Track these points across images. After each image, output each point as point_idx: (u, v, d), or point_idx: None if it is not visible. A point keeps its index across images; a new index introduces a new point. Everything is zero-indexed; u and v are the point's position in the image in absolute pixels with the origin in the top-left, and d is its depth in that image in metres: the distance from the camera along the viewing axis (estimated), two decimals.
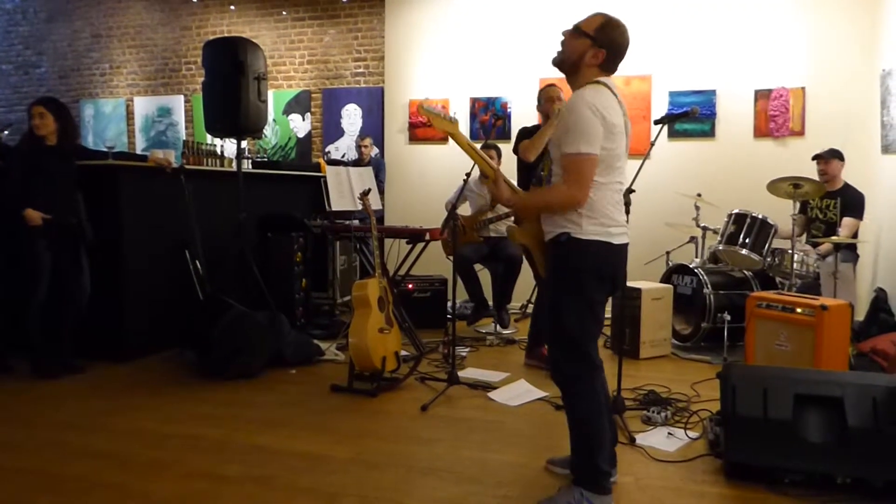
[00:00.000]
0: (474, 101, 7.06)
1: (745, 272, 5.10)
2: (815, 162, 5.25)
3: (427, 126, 7.18)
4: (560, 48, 2.56)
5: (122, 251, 4.65)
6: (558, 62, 2.57)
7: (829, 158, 5.16)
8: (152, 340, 4.83)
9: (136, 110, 8.87)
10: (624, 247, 2.53)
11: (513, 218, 5.49)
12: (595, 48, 2.47)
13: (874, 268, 5.66)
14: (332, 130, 7.95)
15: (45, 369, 4.30)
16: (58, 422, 3.55)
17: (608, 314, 4.72)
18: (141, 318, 4.76)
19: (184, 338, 4.69)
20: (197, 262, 4.86)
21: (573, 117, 2.37)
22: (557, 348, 2.55)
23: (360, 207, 4.68)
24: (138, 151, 8.53)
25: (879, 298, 5.11)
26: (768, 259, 4.87)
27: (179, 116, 8.67)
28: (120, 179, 4.62)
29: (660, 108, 6.44)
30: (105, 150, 4.67)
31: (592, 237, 2.43)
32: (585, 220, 2.42)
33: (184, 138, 8.37)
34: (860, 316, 5.14)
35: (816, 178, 5.04)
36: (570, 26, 2.55)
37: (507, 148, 6.20)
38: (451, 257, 4.70)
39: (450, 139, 2.71)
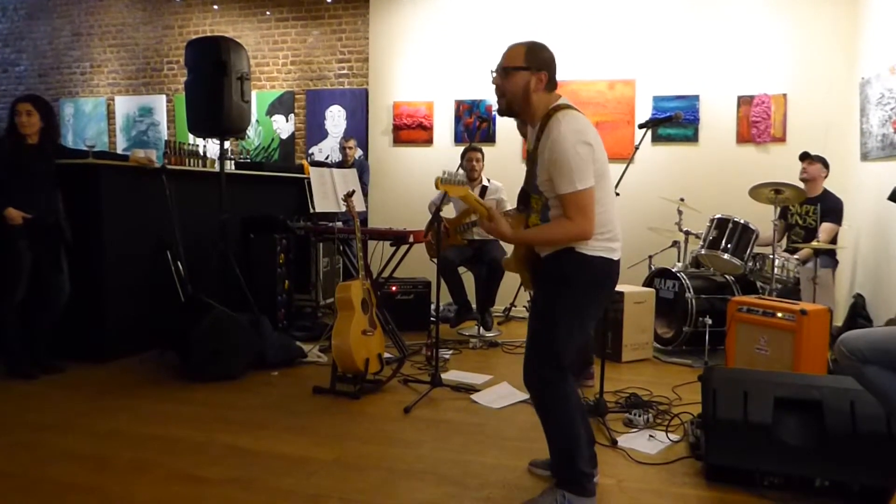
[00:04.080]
0: (459, 103, 7.07)
1: (727, 277, 5.15)
2: (799, 161, 5.28)
3: (411, 128, 7.19)
4: (498, 95, 2.52)
5: (102, 251, 4.60)
6: (505, 106, 2.52)
7: (814, 161, 5.20)
8: (132, 341, 4.78)
9: (117, 110, 8.78)
10: (619, 263, 2.52)
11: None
12: (535, 74, 2.44)
13: (853, 274, 5.73)
14: (316, 132, 7.92)
15: (21, 370, 4.24)
16: (34, 423, 3.49)
17: None
18: (121, 319, 4.71)
19: (165, 339, 4.65)
20: (178, 263, 4.82)
21: (559, 156, 2.31)
22: (540, 355, 2.51)
23: (343, 209, 4.66)
24: (119, 151, 8.43)
25: (858, 304, 5.18)
26: (749, 264, 4.91)
27: (161, 116, 8.59)
28: (101, 179, 4.57)
29: (643, 113, 6.49)
30: (85, 149, 4.62)
31: (596, 253, 2.43)
32: (592, 236, 2.40)
33: (166, 138, 8.30)
34: (839, 321, 5.20)
35: (798, 179, 5.10)
36: (495, 73, 2.51)
37: (490, 151, 6.22)
38: (435, 260, 4.70)
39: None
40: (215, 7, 8.26)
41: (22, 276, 4.18)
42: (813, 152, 5.30)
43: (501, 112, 2.57)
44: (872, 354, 2.44)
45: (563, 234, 2.41)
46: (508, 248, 2.81)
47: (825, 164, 5.25)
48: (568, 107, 2.43)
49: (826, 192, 5.22)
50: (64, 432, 3.37)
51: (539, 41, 2.52)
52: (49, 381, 4.22)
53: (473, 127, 6.97)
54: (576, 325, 2.49)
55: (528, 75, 2.44)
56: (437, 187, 2.61)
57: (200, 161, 5.56)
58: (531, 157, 2.52)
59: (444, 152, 6.97)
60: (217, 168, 5.04)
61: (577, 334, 2.50)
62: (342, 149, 7.19)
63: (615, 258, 2.49)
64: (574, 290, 2.46)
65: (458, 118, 7.08)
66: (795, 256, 5.03)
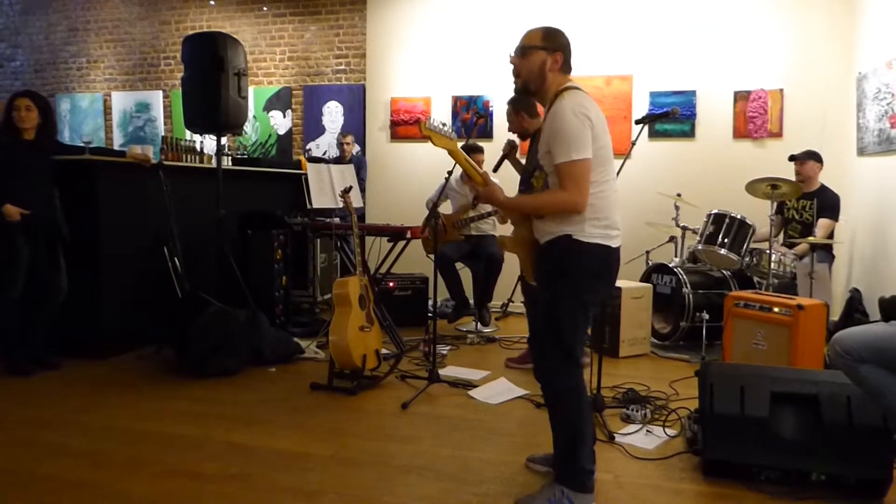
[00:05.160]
0: (456, 99, 7.06)
1: (724, 272, 5.15)
2: (792, 163, 5.31)
3: (409, 124, 7.18)
4: (515, 75, 2.61)
5: (99, 247, 4.59)
6: (522, 85, 2.61)
7: (805, 160, 5.22)
8: (130, 338, 4.78)
9: (113, 105, 8.75)
10: (619, 250, 2.54)
11: (494, 219, 5.53)
12: (551, 54, 2.54)
13: (849, 269, 5.74)
14: (313, 128, 7.90)
15: (18, 367, 4.23)
16: (31, 420, 3.49)
17: None
18: (118, 315, 4.70)
19: (162, 335, 4.64)
20: (176, 260, 4.81)
21: (559, 125, 2.38)
22: (548, 347, 2.53)
23: (341, 205, 4.66)
24: (116, 147, 8.42)
25: (854, 299, 5.18)
26: (746, 259, 4.92)
27: (158, 112, 8.57)
28: (97, 175, 4.56)
29: (640, 108, 6.49)
30: (82, 145, 4.60)
31: (593, 240, 2.44)
32: (588, 223, 2.43)
33: (162, 134, 8.29)
34: (835, 316, 5.21)
35: (794, 178, 5.10)
36: (513, 54, 2.61)
37: (488, 147, 6.21)
38: (433, 255, 4.70)
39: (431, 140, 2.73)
40: (212, 2, 8.24)
41: (19, 272, 4.16)
42: (800, 150, 5.31)
43: (517, 90, 2.66)
44: (867, 353, 2.45)
45: (554, 202, 2.44)
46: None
47: (817, 159, 5.25)
48: (577, 88, 2.52)
49: (823, 188, 5.22)
50: (61, 429, 3.37)
51: (555, 27, 2.61)
52: (46, 377, 4.22)
53: (471, 123, 6.96)
54: (580, 314, 2.50)
55: (544, 55, 2.54)
56: (420, 131, 2.68)
57: (197, 157, 5.54)
58: (534, 137, 2.57)
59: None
60: (214, 164, 5.03)
61: (582, 323, 2.51)
62: (339, 144, 7.19)
63: (614, 245, 2.50)
64: (573, 282, 2.46)
65: (455, 114, 7.07)
66: (792, 251, 5.03)
